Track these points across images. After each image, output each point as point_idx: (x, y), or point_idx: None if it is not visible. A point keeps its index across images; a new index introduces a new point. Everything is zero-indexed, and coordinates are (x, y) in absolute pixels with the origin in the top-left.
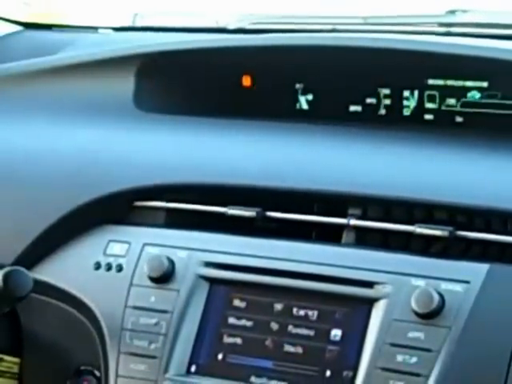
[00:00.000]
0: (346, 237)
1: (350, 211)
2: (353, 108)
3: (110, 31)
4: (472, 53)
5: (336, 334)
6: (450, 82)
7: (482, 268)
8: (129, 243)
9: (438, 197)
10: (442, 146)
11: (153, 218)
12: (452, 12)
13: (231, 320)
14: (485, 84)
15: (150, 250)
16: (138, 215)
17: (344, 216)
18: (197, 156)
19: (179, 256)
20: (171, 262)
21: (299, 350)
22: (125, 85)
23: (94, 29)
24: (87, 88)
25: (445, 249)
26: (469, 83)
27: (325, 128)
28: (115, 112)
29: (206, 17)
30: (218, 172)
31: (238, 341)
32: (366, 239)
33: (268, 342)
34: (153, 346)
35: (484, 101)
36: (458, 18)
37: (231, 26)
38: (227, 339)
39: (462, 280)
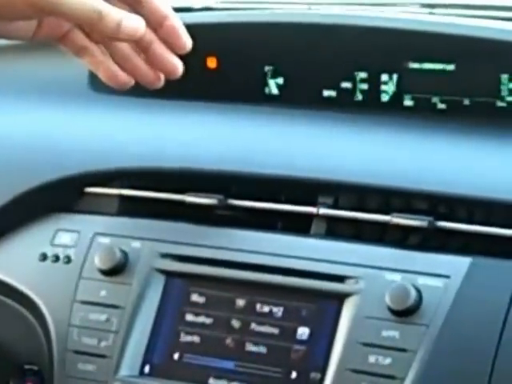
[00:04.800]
0: (316, 227)
1: (320, 200)
2: (327, 93)
3: None
4: (460, 32)
5: (303, 332)
6: (432, 66)
7: (464, 262)
8: (78, 232)
9: (416, 184)
10: (421, 133)
11: (105, 205)
12: None
13: (189, 316)
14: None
15: (101, 240)
16: (89, 202)
17: (313, 205)
18: (154, 140)
19: (133, 247)
20: (124, 254)
21: (262, 349)
22: (79, 65)
23: None
24: (39, 68)
25: (423, 241)
26: (451, 66)
27: (295, 112)
28: (68, 93)
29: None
30: (176, 156)
31: (196, 339)
32: (336, 230)
33: (229, 341)
34: (103, 344)
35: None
36: None
37: (197, 5)
38: (184, 337)
39: (441, 274)
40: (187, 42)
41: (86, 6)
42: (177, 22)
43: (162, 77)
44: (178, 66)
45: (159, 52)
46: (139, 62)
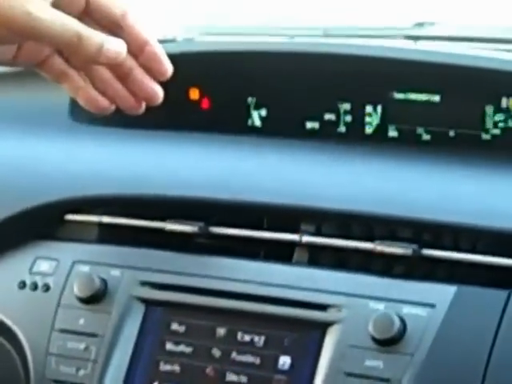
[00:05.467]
0: (298, 255)
1: (303, 227)
2: (310, 125)
3: None
4: (444, 60)
5: (284, 361)
6: (417, 97)
7: (449, 290)
8: (57, 260)
9: (400, 211)
10: (406, 163)
11: (84, 233)
12: (420, 24)
13: (169, 345)
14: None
15: (80, 267)
16: (69, 230)
17: (296, 232)
18: (135, 167)
19: (112, 275)
20: (103, 281)
21: (243, 379)
22: (60, 95)
23: None
24: (21, 97)
25: (408, 269)
26: (436, 97)
27: (278, 142)
28: (49, 122)
29: (153, 28)
30: (156, 183)
31: (176, 368)
32: (319, 258)
33: (209, 370)
34: (81, 373)
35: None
36: (426, 31)
37: (179, 38)
38: (164, 366)
39: (426, 303)
40: (168, 69)
41: (66, 29)
42: (158, 48)
43: (143, 103)
44: (159, 93)
45: (140, 78)
46: (119, 87)
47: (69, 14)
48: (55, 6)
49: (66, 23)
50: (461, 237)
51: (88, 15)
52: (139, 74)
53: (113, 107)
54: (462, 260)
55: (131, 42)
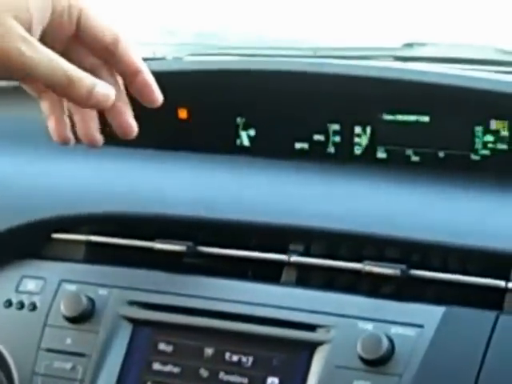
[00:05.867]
0: (286, 275)
1: (291, 247)
2: (299, 145)
3: None
4: (434, 80)
5: (272, 381)
6: (406, 118)
7: (437, 311)
8: (44, 279)
9: (388, 231)
10: (395, 184)
11: (72, 252)
12: (409, 45)
13: (156, 365)
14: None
15: (67, 286)
16: (56, 249)
17: (284, 252)
18: (122, 186)
19: (99, 294)
20: (90, 301)
21: None
22: None
23: None
24: (7, 114)
25: (396, 289)
26: (426, 118)
27: (267, 162)
28: (37, 140)
29: (143, 47)
30: (145, 202)
31: None
32: (308, 278)
33: None
34: None
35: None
36: (416, 52)
37: (169, 57)
38: None
39: (414, 324)
40: (159, 98)
41: (58, 72)
42: (149, 77)
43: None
44: (134, 129)
45: (120, 111)
46: (93, 125)
47: (59, 38)
48: (46, 30)
49: (58, 65)
50: (449, 257)
51: (78, 40)
52: (121, 107)
53: (73, 142)
54: (450, 281)
55: (123, 69)
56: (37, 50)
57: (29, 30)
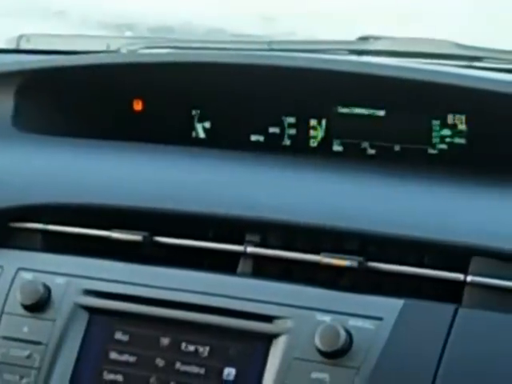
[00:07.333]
0: (243, 266)
1: (248, 237)
2: (254, 138)
3: None
4: (390, 73)
5: (229, 372)
6: (362, 111)
7: (396, 303)
8: (1, 267)
9: (345, 223)
10: (351, 176)
11: (29, 240)
12: (364, 39)
13: (112, 354)
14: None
15: (24, 275)
16: (13, 237)
17: (241, 243)
18: (79, 176)
19: (56, 282)
20: (47, 289)
21: None
22: (3, 103)
23: None
24: None
25: (354, 282)
26: (381, 112)
27: (223, 154)
28: None
29: (97, 40)
30: (101, 192)
31: (120, 378)
32: (264, 269)
33: (153, 380)
34: (24, 381)
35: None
36: (371, 46)
37: (123, 50)
38: (107, 376)
39: (373, 316)
40: None
41: None
42: None
43: None
44: None
45: None
46: None
47: None
48: None
49: None
50: (407, 250)
51: None
52: None
53: None
54: (408, 273)
55: None
56: None
57: None
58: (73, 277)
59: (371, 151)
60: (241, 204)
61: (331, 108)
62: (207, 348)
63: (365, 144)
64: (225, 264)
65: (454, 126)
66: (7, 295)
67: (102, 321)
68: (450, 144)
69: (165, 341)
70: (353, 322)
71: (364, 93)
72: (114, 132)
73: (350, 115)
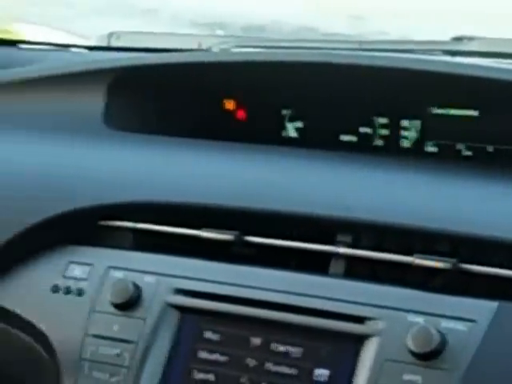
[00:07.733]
0: (334, 266)
1: (339, 238)
2: (345, 137)
3: (83, 50)
4: (484, 74)
5: (320, 373)
6: (456, 112)
7: (490, 306)
8: (91, 265)
9: (439, 225)
10: (444, 177)
11: (119, 239)
12: (458, 39)
13: (202, 354)
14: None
15: (114, 273)
16: (103, 235)
17: (332, 243)
18: (170, 175)
19: (146, 281)
20: (137, 288)
21: None
22: (94, 101)
23: (66, 47)
24: (55, 103)
25: (447, 283)
26: (475, 112)
27: (313, 153)
28: (83, 129)
29: (188, 38)
30: (192, 191)
31: (210, 377)
32: (356, 270)
33: (244, 380)
34: (114, 380)
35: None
36: (464, 46)
37: (215, 49)
38: (197, 375)
39: (466, 318)
40: None
41: None
42: None
43: None
44: None
45: None
46: None
47: None
48: None
49: None
50: (501, 252)
51: None
52: None
53: None
54: (501, 275)
55: None
56: None
57: None
58: (163, 276)
59: (467, 152)
60: (333, 204)
61: (425, 109)
62: (298, 348)
63: (460, 145)
64: (313, 264)
65: None
66: (97, 294)
67: (192, 320)
68: None
69: (255, 341)
70: (445, 324)
71: (458, 93)
72: (203, 131)
73: (444, 116)
